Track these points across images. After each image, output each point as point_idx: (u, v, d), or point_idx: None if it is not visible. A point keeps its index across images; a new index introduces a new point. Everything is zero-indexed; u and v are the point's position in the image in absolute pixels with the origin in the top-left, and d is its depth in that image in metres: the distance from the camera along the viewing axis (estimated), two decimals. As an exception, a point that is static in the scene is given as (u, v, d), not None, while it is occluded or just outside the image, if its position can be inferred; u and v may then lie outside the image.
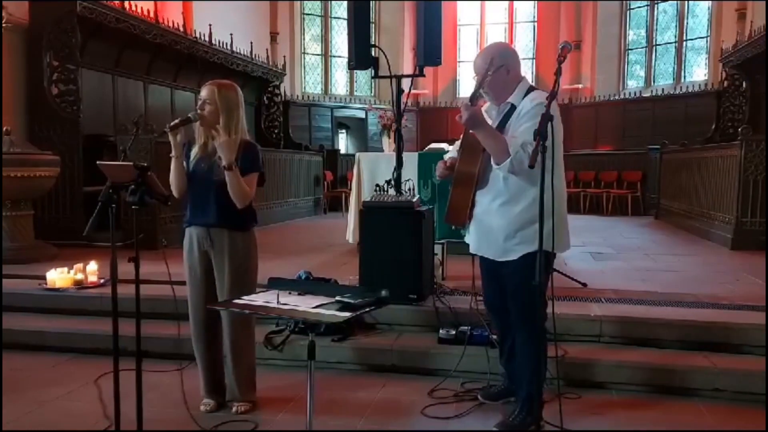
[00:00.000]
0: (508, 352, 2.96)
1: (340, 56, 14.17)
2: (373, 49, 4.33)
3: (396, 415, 2.98)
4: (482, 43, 14.55)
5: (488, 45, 2.93)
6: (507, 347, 2.96)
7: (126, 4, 7.60)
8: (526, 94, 2.64)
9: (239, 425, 2.83)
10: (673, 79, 12.59)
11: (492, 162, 2.59)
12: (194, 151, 2.89)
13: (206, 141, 2.87)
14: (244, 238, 2.90)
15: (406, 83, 4.41)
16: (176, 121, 2.78)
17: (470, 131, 2.62)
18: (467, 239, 2.92)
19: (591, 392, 3.20)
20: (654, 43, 12.93)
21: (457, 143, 2.93)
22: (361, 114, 13.74)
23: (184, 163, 2.89)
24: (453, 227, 2.94)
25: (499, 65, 2.62)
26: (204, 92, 2.84)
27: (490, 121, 2.68)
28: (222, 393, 3.03)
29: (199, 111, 2.81)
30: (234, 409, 2.96)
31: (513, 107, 2.66)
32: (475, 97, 2.60)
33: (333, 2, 14.18)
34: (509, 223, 2.64)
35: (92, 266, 4.46)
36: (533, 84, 2.80)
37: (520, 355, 2.78)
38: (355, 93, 14.46)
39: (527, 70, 14.40)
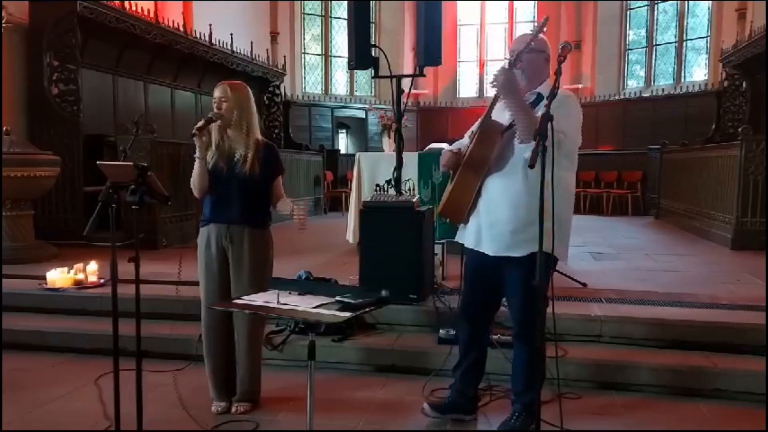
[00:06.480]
0: (466, 366, 2.84)
1: (340, 56, 14.16)
2: (373, 49, 4.33)
3: (396, 415, 2.98)
4: (482, 42, 14.55)
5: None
6: (467, 361, 2.84)
7: (126, 4, 7.60)
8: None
9: (239, 425, 2.83)
10: (673, 79, 12.57)
11: (517, 140, 2.47)
12: (211, 151, 2.90)
13: (221, 141, 2.89)
14: (262, 235, 2.97)
15: (406, 83, 4.42)
16: (200, 123, 2.80)
17: (497, 105, 2.52)
18: (460, 237, 2.76)
19: (591, 392, 3.20)
20: (654, 43, 12.92)
21: (462, 139, 2.85)
22: (362, 114, 13.74)
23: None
24: (447, 221, 2.76)
25: (540, 49, 2.61)
26: (218, 92, 2.87)
27: (508, 115, 2.58)
28: (232, 393, 3.01)
29: (216, 111, 2.84)
30: (234, 408, 2.95)
31: (539, 98, 2.58)
32: (513, 62, 2.49)
33: (333, 2, 14.17)
34: (520, 216, 2.49)
35: (92, 266, 4.47)
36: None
37: (519, 357, 2.73)
38: (355, 93, 14.45)
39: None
